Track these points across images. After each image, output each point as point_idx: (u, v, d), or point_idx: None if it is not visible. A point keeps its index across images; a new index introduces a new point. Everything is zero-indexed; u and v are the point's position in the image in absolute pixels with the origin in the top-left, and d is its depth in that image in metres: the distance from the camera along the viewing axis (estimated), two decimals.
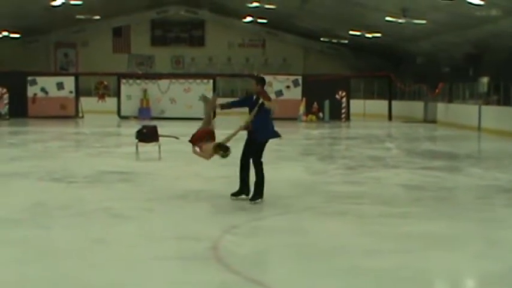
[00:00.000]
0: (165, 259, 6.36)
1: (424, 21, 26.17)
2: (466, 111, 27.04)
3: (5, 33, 36.14)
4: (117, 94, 33.01)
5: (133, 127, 18.45)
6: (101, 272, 5.96)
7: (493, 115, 24.26)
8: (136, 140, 14.54)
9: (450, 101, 30.50)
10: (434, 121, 30.22)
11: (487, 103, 26.20)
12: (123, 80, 32.92)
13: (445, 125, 28.08)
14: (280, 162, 13.77)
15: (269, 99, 9.41)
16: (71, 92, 32.51)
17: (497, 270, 6.15)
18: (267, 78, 34.91)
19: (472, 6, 20.45)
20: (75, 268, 6.08)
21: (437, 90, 30.92)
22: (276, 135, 9.22)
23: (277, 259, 6.57)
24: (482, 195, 10.48)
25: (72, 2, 29.03)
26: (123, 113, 32.29)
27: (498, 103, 25.70)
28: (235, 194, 9.24)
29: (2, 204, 9.10)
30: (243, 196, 9.20)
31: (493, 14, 21.69)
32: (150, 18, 42.82)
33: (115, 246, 6.87)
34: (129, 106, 32.26)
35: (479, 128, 24.68)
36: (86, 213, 8.44)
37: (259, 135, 9.05)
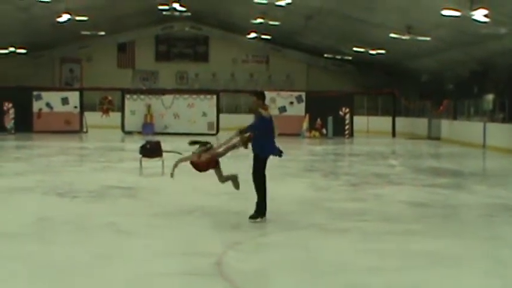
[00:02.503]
0: (170, 275, 6.35)
1: (428, 38, 26.24)
2: (470, 129, 27.02)
3: (12, 49, 36.37)
4: (121, 109, 33.14)
5: (137, 142, 18.50)
6: None
7: (498, 132, 24.20)
8: (140, 155, 14.57)
9: (454, 118, 30.49)
10: (438, 138, 30.20)
11: (492, 120, 26.17)
12: (127, 95, 33.05)
13: (450, 142, 28.05)
14: (284, 179, 13.76)
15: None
16: (75, 107, 32.64)
17: None
18: (271, 94, 35.53)
19: (477, 23, 20.52)
20: (80, 284, 6.07)
21: (441, 107, 30.92)
22: (277, 153, 9.05)
23: (281, 275, 6.55)
24: (487, 213, 10.45)
25: (77, 18, 29.25)
26: (127, 128, 32.38)
27: (503, 120, 25.67)
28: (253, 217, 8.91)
29: (6, 219, 9.10)
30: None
31: (498, 31, 21.74)
32: (155, 34, 43.05)
33: (119, 261, 6.86)
34: (133, 121, 32.36)
35: (484, 146, 24.63)
36: (90, 229, 8.44)
37: (260, 151, 8.96)
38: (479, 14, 19.47)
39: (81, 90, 34.52)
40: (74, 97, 32.86)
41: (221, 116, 33.06)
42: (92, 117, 33.67)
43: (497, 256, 7.46)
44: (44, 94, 32.61)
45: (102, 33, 37.76)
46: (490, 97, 28.26)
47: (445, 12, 20.26)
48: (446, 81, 33.78)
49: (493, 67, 27.83)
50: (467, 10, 19.54)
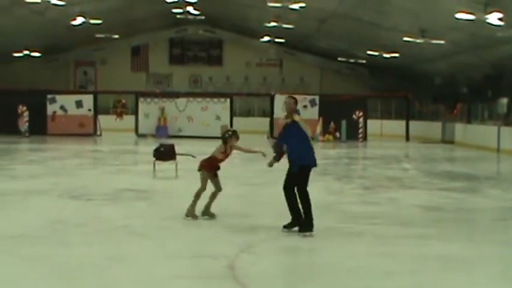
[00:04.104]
0: (183, 278, 6.37)
1: (442, 42, 26.15)
2: (484, 132, 26.86)
3: (26, 52, 36.66)
4: (135, 112, 33.27)
5: (150, 145, 18.56)
6: None
7: None
8: (154, 158, 14.62)
9: (468, 121, 30.33)
10: (452, 142, 30.04)
11: (506, 124, 26.00)
12: (141, 99, 33.17)
13: (463, 146, 27.90)
14: None
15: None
16: (89, 110, 32.80)
17: None
18: (284, 97, 35.15)
19: (492, 26, 20.41)
20: (93, 285, 6.11)
21: (455, 111, 30.77)
22: (311, 163, 8.54)
23: (294, 279, 6.55)
24: (501, 217, 10.39)
25: (92, 21, 29.43)
26: (140, 131, 32.49)
27: None
28: (287, 226, 8.52)
29: (21, 221, 9.18)
30: (296, 229, 8.45)
31: None
32: (169, 37, 43.20)
33: (133, 264, 6.90)
34: (147, 124, 32.47)
35: (498, 149, 24.48)
36: (104, 231, 8.49)
37: (292, 165, 8.49)
38: (494, 18, 19.36)
39: (95, 93, 34.70)
40: (88, 100, 33.03)
41: (235, 119, 33.08)
42: (105, 120, 33.83)
43: (511, 260, 7.42)
44: (58, 97, 32.80)
45: (116, 36, 37.97)
46: (504, 101, 28.09)
47: (459, 15, 20.17)
48: (460, 85, 33.62)
49: (507, 70, 27.66)
50: (481, 13, 19.45)
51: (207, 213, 9.23)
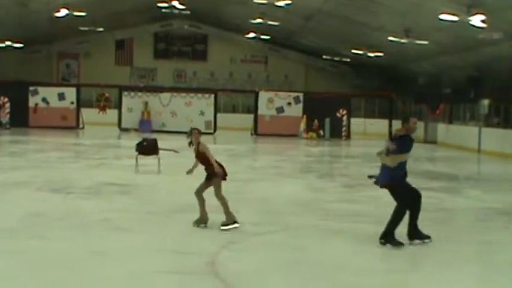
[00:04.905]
0: (163, 273, 6.35)
1: (426, 42, 26.28)
2: (466, 133, 27.07)
3: (8, 43, 36.26)
4: (118, 106, 33.10)
5: (133, 139, 18.47)
6: (99, 284, 5.95)
7: (493, 137, 24.27)
8: (136, 153, 14.55)
9: (451, 122, 30.53)
10: (434, 142, 30.23)
11: (488, 125, 26.23)
12: (125, 93, 33.03)
13: (445, 146, 28.09)
14: (279, 179, 13.75)
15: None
16: (72, 102, 32.58)
17: None
18: (269, 94, 35.46)
19: (475, 28, 20.55)
20: (74, 279, 6.07)
21: (437, 111, 30.96)
22: (379, 181, 8.12)
23: (275, 276, 6.55)
24: (481, 217, 10.47)
25: (76, 14, 29.17)
26: (123, 125, 32.35)
27: (498, 125, 25.74)
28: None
29: (0, 214, 9.08)
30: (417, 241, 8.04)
31: (494, 37, 21.77)
32: (154, 31, 42.98)
33: (113, 258, 6.86)
34: (130, 118, 32.32)
35: (479, 150, 24.68)
36: (84, 225, 8.43)
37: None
38: (477, 20, 19.51)
39: (78, 86, 34.45)
40: (70, 93, 32.82)
41: (218, 115, 33.03)
42: (88, 114, 33.62)
43: (491, 261, 7.49)
44: (40, 89, 32.55)
45: (101, 29, 37.69)
46: (485, 102, 28.33)
47: (443, 16, 20.29)
48: (443, 85, 33.85)
49: (489, 72, 27.90)
50: (464, 15, 19.59)
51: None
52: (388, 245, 7.68)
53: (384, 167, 7.97)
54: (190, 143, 8.59)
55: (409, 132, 7.99)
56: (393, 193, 7.99)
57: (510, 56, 24.02)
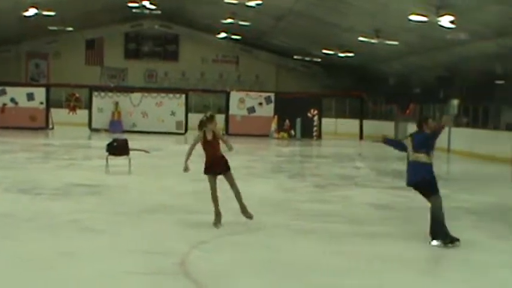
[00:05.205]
0: (133, 274, 6.31)
1: (396, 43, 26.53)
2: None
3: None
4: (89, 106, 32.81)
5: (104, 140, 18.31)
6: (69, 285, 5.89)
7: (463, 137, 24.57)
8: (107, 153, 14.44)
9: None
10: None
11: (457, 125, 26.57)
12: (95, 93, 32.77)
13: None
14: (250, 179, 13.76)
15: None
16: (41, 103, 32.21)
17: None
18: (240, 94, 35.49)
19: (443, 29, 20.81)
20: (43, 281, 6.00)
21: (408, 111, 31.27)
22: (418, 179, 8.42)
23: (246, 276, 6.55)
24: (450, 216, 10.56)
25: (45, 13, 28.82)
26: (94, 126, 32.08)
27: (467, 125, 26.08)
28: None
29: None
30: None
31: (462, 37, 22.07)
32: (124, 31, 42.68)
33: (83, 259, 6.80)
34: (101, 119, 32.06)
35: (448, 150, 24.99)
36: (53, 226, 8.34)
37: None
38: (445, 20, 19.75)
39: (48, 86, 34.06)
40: (40, 93, 32.43)
41: (190, 115, 32.92)
42: (58, 114, 33.26)
43: (460, 260, 7.57)
44: (8, 89, 32.13)
45: (70, 28, 37.29)
46: (455, 102, 28.70)
47: (412, 17, 20.50)
48: (413, 85, 34.21)
49: (458, 72, 28.27)
50: (433, 16, 19.81)
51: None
52: (449, 244, 7.84)
53: (419, 165, 8.38)
54: (202, 130, 8.42)
55: (431, 130, 8.71)
56: (429, 188, 8.40)
57: (478, 56, 24.39)
